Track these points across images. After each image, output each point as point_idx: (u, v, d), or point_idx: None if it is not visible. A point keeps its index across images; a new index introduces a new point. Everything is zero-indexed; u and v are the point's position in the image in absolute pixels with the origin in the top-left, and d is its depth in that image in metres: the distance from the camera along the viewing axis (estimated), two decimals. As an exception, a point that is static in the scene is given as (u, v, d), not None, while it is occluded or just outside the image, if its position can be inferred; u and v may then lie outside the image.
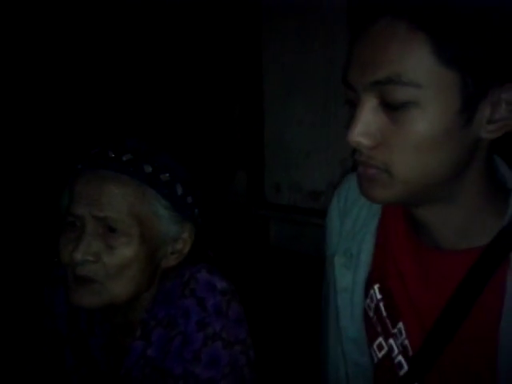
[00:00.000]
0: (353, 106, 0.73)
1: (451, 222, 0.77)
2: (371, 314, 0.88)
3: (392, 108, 0.67)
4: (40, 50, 3.10)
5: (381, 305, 0.87)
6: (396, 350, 0.85)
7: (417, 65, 0.65)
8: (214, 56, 2.99)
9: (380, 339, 0.87)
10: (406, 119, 0.67)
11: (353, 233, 0.93)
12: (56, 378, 1.05)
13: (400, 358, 0.84)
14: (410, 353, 0.83)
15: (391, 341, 0.85)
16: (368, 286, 0.90)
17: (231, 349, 0.94)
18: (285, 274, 2.62)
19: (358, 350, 0.90)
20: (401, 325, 0.85)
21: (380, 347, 0.87)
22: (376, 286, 0.88)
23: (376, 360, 0.88)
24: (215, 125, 3.04)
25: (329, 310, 0.98)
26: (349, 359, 0.91)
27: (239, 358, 0.95)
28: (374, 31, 0.67)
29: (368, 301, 0.89)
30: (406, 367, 0.83)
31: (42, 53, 3.10)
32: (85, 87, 3.16)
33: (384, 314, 0.86)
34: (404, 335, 0.84)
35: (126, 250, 0.89)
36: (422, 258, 0.82)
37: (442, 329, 0.78)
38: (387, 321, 0.86)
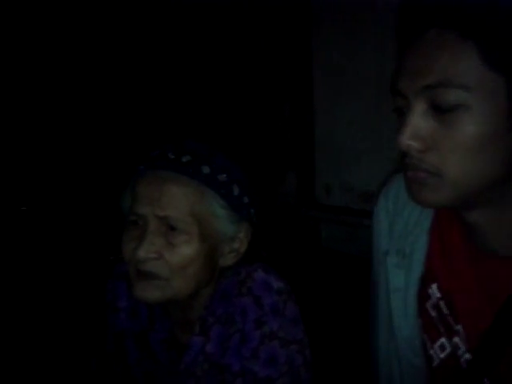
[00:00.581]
0: (401, 114, 0.75)
1: (504, 225, 0.77)
2: (433, 313, 0.87)
3: (441, 111, 0.70)
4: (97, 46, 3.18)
5: (441, 303, 0.86)
6: (462, 348, 0.84)
7: (466, 69, 0.68)
8: (264, 56, 3.01)
9: (442, 339, 0.86)
10: (456, 122, 0.69)
11: (405, 233, 0.93)
12: (120, 370, 1.09)
13: (467, 355, 0.83)
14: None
15: (456, 339, 0.84)
16: (423, 286, 0.89)
17: (288, 348, 0.95)
18: (336, 276, 2.60)
19: (413, 350, 0.90)
20: (459, 326, 0.84)
21: (442, 348, 0.86)
22: (434, 285, 0.87)
23: (437, 361, 0.87)
24: (265, 125, 3.05)
25: (378, 310, 0.98)
26: (403, 359, 0.91)
27: (296, 358, 0.96)
28: (422, 42, 0.71)
29: (429, 301, 0.88)
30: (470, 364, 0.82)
31: (101, 50, 3.19)
32: (144, 88, 3.25)
33: (446, 311, 0.86)
34: (463, 335, 0.83)
35: (187, 248, 0.92)
36: (477, 261, 0.81)
37: (498, 331, 0.77)
38: (450, 318, 0.85)
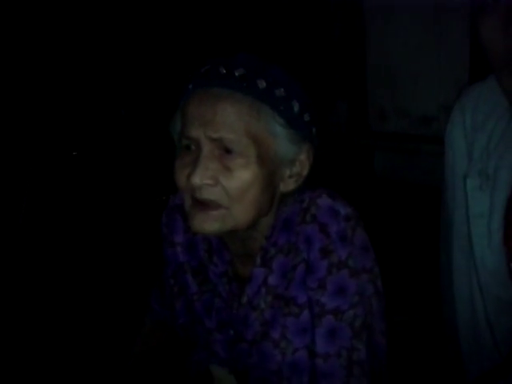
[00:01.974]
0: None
1: None
2: None
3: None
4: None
5: None
6: None
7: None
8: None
9: None
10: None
11: (488, 151, 0.82)
12: (181, 305, 1.06)
13: None
14: None
15: None
16: (510, 209, 0.78)
17: (358, 277, 0.89)
18: (393, 206, 2.50)
19: (499, 282, 0.80)
20: None
21: None
22: None
23: None
24: (313, 50, 2.87)
25: (453, 240, 0.90)
26: (488, 293, 0.82)
27: (367, 288, 0.90)
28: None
29: None
30: None
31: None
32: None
33: None
34: None
35: (245, 172, 0.84)
36: None
37: None
38: None
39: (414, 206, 2.47)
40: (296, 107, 0.87)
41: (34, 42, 2.98)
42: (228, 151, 0.84)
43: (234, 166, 0.84)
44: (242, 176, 0.84)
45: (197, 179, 0.83)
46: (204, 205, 0.85)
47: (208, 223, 0.86)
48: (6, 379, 1.80)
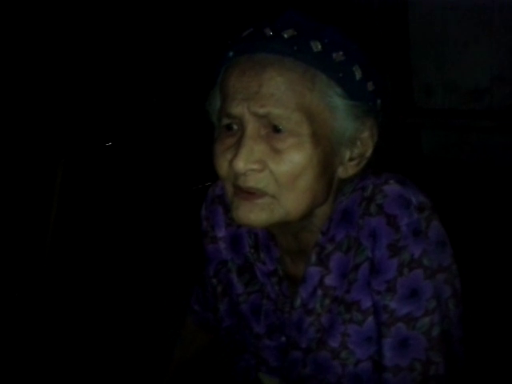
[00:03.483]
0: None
1: None
2: None
3: None
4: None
5: None
6: None
7: None
8: None
9: None
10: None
11: None
12: (225, 308, 0.95)
13: None
14: None
15: None
16: None
17: (434, 278, 0.75)
18: (443, 187, 2.34)
19: None
20: None
21: None
22: None
23: None
24: (351, 20, 2.68)
25: None
26: None
27: (444, 289, 0.77)
28: None
29: None
30: None
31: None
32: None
33: None
34: None
35: (297, 155, 0.71)
36: None
37: None
38: None
39: (466, 187, 2.30)
40: (358, 74, 0.73)
41: (69, 30, 2.93)
42: (277, 130, 0.71)
43: (283, 148, 0.71)
44: (294, 159, 0.71)
45: (241, 164, 0.70)
46: (249, 193, 0.73)
47: (254, 213, 0.73)
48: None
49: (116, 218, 2.83)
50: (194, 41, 3.10)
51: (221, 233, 0.94)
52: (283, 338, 0.87)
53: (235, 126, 0.73)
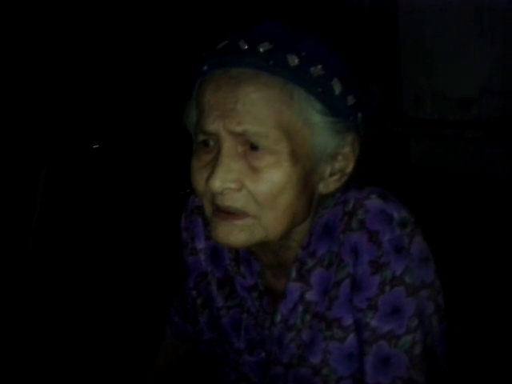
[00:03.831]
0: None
1: None
2: None
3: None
4: None
5: None
6: None
7: None
8: None
9: None
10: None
11: None
12: (205, 320, 0.93)
13: None
14: None
15: None
16: None
17: (417, 296, 0.74)
18: (431, 198, 2.33)
19: None
20: None
21: None
22: None
23: None
24: (341, 25, 2.66)
25: None
26: None
27: (426, 306, 0.76)
28: None
29: None
30: None
31: None
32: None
33: None
34: None
35: (275, 173, 0.69)
36: None
37: None
38: None
39: (454, 198, 2.30)
40: (337, 88, 0.71)
41: (57, 32, 2.90)
42: (254, 148, 0.69)
43: (261, 166, 0.69)
44: (272, 178, 0.69)
45: (217, 183, 0.68)
46: (227, 213, 0.71)
47: (233, 235, 0.72)
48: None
49: (101, 222, 2.80)
50: (183, 42, 3.08)
51: (200, 244, 0.92)
52: (263, 354, 0.86)
53: (211, 142, 0.72)
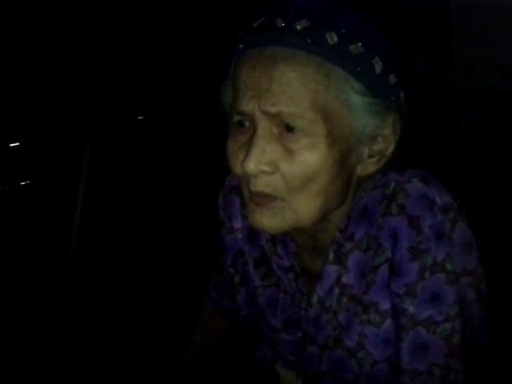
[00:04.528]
0: None
1: None
2: None
3: None
4: None
5: None
6: None
7: None
8: None
9: None
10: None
11: None
12: (242, 298, 0.94)
13: None
14: None
15: None
16: None
17: (457, 283, 0.72)
18: (481, 172, 2.25)
19: None
20: None
21: None
22: None
23: None
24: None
25: None
26: None
27: (467, 293, 0.73)
28: None
29: None
30: None
31: None
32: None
33: None
34: None
35: (310, 155, 0.67)
36: None
37: None
38: None
39: (503, 171, 2.21)
40: (378, 67, 0.68)
41: (95, 7, 2.92)
42: (290, 129, 0.67)
43: (297, 148, 0.67)
44: (307, 160, 0.67)
45: (251, 165, 0.67)
46: (261, 196, 0.70)
47: (267, 218, 0.71)
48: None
49: (144, 192, 2.85)
50: (227, 13, 3.05)
51: (237, 224, 0.92)
52: (299, 334, 0.86)
53: (247, 123, 0.70)
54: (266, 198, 0.70)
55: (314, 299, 0.82)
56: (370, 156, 0.73)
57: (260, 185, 0.69)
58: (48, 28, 2.77)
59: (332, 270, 0.79)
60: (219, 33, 3.07)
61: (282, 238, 0.86)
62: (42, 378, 1.75)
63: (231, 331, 1.18)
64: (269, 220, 0.70)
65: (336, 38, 0.66)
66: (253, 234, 0.90)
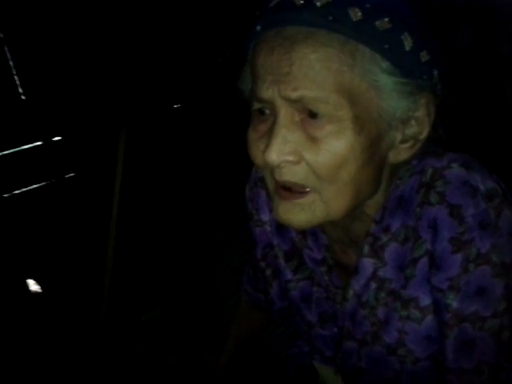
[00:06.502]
0: None
1: None
2: None
3: None
4: None
5: None
6: None
7: None
8: None
9: None
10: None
11: None
12: (276, 292, 0.91)
13: None
14: None
15: None
16: None
17: (505, 276, 0.66)
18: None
19: None
20: None
21: None
22: None
23: None
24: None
25: None
26: None
27: None
28: None
29: None
30: None
31: None
32: None
33: None
34: None
35: (337, 143, 0.62)
36: None
37: None
38: None
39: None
40: (408, 44, 0.62)
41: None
42: (313, 115, 0.62)
43: (321, 136, 0.62)
44: (334, 148, 0.62)
45: (273, 156, 0.62)
46: (287, 190, 0.66)
47: (294, 214, 0.66)
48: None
49: (180, 178, 2.86)
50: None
51: (265, 216, 0.88)
52: (335, 329, 0.82)
53: (267, 111, 0.65)
54: (293, 192, 0.65)
55: (350, 293, 0.77)
56: (402, 141, 0.66)
57: (286, 174, 0.64)
58: (82, 22, 2.80)
59: (368, 263, 0.74)
60: (252, 18, 3.02)
61: (312, 230, 0.81)
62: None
63: (268, 324, 1.15)
64: (296, 215, 0.66)
65: (360, 14, 0.60)
66: (281, 226, 0.86)
